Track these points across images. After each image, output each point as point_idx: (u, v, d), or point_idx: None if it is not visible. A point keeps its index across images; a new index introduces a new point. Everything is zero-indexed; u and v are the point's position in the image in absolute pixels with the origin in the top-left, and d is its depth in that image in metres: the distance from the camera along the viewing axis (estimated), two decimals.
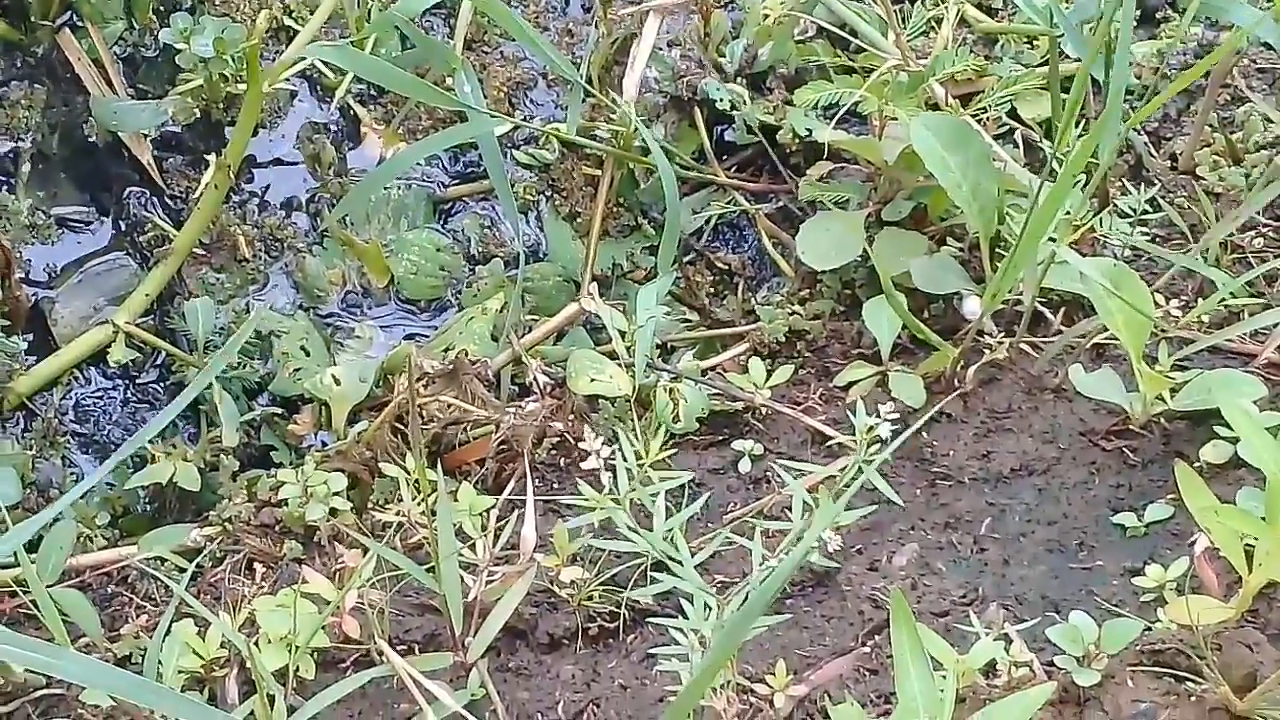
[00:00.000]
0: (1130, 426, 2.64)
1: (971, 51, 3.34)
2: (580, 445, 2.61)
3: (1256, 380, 2.54)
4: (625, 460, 2.60)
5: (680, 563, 2.46)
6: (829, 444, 2.78)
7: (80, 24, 3.53)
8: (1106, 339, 2.72)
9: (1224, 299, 2.74)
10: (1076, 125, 2.78)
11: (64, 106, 3.49)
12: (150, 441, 3.10)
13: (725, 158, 3.44)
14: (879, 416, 2.57)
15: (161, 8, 3.57)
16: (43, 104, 3.47)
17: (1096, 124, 2.53)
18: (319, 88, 3.54)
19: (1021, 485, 2.65)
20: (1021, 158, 3.10)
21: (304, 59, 3.29)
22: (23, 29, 3.50)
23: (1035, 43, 3.32)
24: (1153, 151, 3.20)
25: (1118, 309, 2.55)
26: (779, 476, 2.67)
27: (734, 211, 3.38)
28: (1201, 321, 2.77)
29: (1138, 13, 3.33)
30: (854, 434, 2.62)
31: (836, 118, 3.07)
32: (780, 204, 3.36)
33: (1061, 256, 2.60)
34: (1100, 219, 2.92)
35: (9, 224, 3.32)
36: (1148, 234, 2.91)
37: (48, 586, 2.58)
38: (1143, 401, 2.60)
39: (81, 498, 3.01)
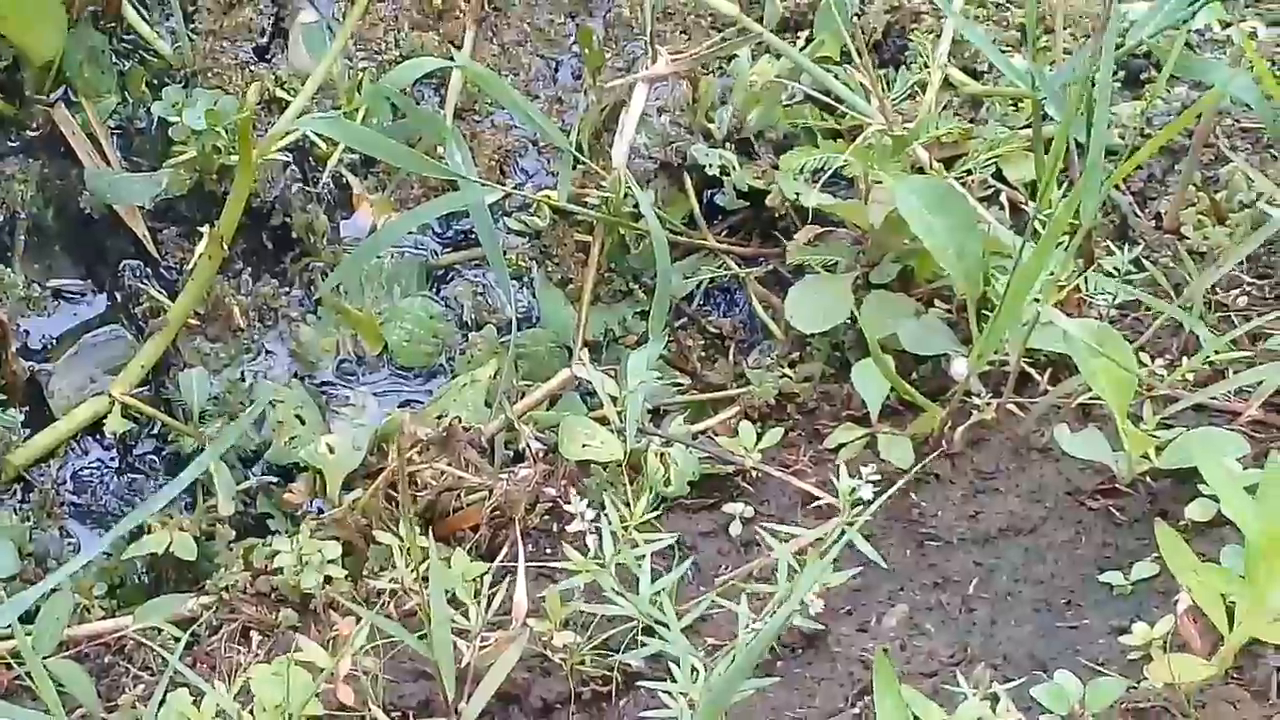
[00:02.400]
0: (1116, 485, 2.67)
1: (956, 114, 3.39)
2: (566, 509, 2.64)
3: (1240, 438, 2.57)
4: (610, 524, 2.62)
5: (668, 626, 2.47)
6: (818, 505, 2.80)
7: (74, 99, 3.56)
8: (1092, 399, 2.74)
9: (1209, 357, 2.76)
10: (1059, 186, 2.80)
11: (59, 180, 3.52)
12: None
13: (715, 222, 3.47)
14: (861, 479, 2.59)
15: (154, 81, 3.61)
16: (38, 178, 3.50)
17: (1078, 184, 2.56)
18: (311, 158, 3.56)
19: (1009, 545, 2.67)
20: (1007, 219, 3.13)
21: (296, 130, 3.30)
22: (17, 104, 3.54)
23: (1019, 105, 3.35)
24: (1138, 211, 3.22)
25: (1101, 369, 2.58)
26: (768, 539, 2.69)
27: (724, 275, 3.40)
28: (1187, 380, 2.78)
29: (1121, 75, 3.38)
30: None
31: (822, 182, 3.11)
32: (770, 267, 3.38)
33: (1046, 317, 2.62)
34: (1085, 279, 2.95)
35: (5, 297, 3.34)
36: (1132, 294, 2.93)
37: (45, 658, 2.59)
38: (1128, 460, 2.62)
39: (79, 568, 3.03)
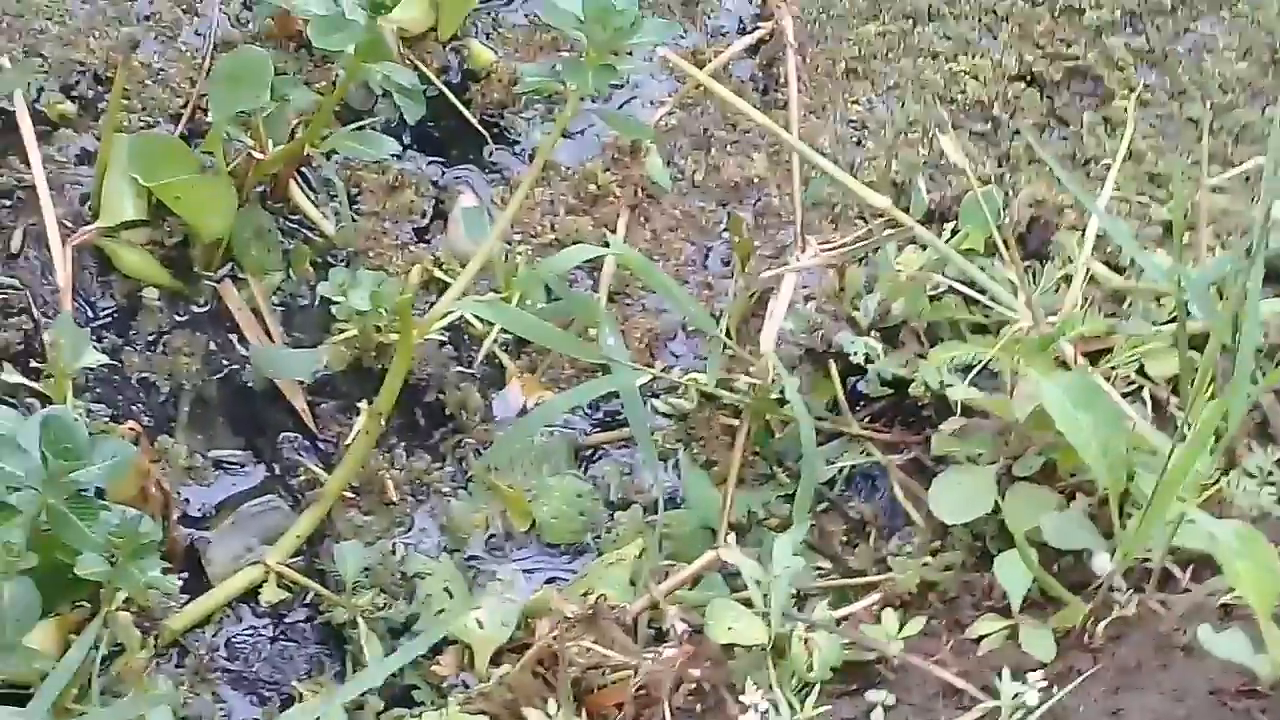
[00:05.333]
0: (1258, 687, 2.68)
1: (1099, 309, 3.43)
2: (740, 699, 2.69)
3: None
4: (778, 714, 2.66)
5: None
6: (960, 696, 2.83)
7: (240, 275, 3.67)
8: (1235, 598, 2.76)
9: None
10: (1205, 389, 2.85)
11: (223, 353, 3.62)
12: (298, 679, 3.23)
13: (858, 408, 3.50)
14: (1024, 682, 2.63)
15: (317, 260, 3.72)
16: (203, 351, 3.60)
17: (1226, 392, 2.61)
18: (466, 336, 3.64)
19: None
20: (1149, 414, 3.16)
21: (454, 311, 3.40)
22: (186, 280, 3.65)
23: (1162, 300, 3.39)
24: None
25: (1245, 570, 2.60)
26: None
27: (867, 462, 3.43)
28: None
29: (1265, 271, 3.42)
30: (985, 687, 2.67)
31: (971, 376, 3.17)
32: (912, 455, 3.41)
33: (1190, 516, 2.67)
34: (1227, 477, 2.99)
35: (169, 466, 3.42)
36: (1274, 494, 2.96)
37: None
38: (1271, 663, 2.64)
39: None
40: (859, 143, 3.85)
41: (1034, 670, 2.71)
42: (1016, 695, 2.64)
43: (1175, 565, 2.94)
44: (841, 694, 2.93)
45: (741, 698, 2.70)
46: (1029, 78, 3.90)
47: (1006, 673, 2.70)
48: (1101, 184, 3.52)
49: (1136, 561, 2.90)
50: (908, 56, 3.96)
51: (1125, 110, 3.74)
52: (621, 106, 3.97)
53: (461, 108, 3.92)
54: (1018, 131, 3.81)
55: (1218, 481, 2.99)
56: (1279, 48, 3.90)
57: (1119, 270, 3.53)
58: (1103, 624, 2.85)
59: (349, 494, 3.46)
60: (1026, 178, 3.71)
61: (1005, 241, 3.23)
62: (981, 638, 2.95)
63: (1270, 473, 2.98)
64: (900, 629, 2.96)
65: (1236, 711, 2.68)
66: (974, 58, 3.92)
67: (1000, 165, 3.78)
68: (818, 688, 2.89)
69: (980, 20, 3.99)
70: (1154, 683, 2.77)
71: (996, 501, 3.06)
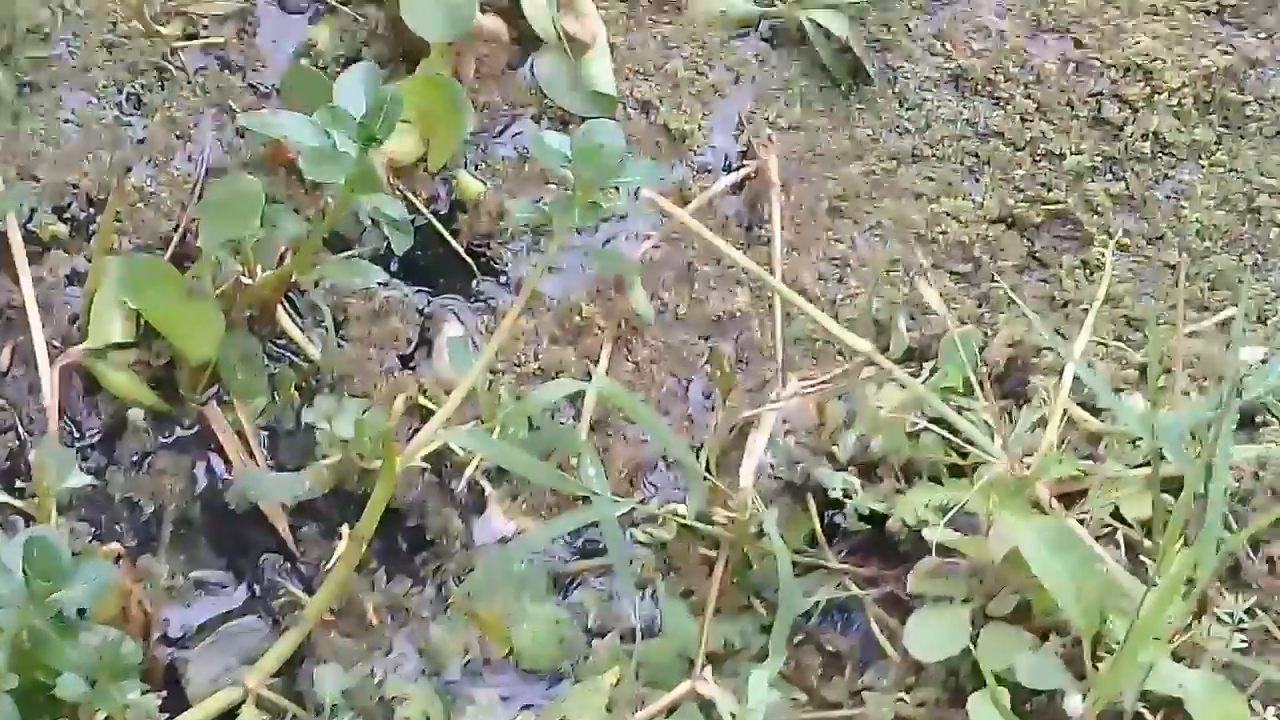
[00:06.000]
0: None
1: (1076, 450, 3.48)
2: None
3: None
4: None
5: None
6: None
7: (226, 398, 3.69)
8: None
9: None
10: (1178, 536, 2.91)
11: (207, 475, 3.64)
12: None
13: (835, 541, 3.53)
14: None
15: (302, 384, 3.74)
16: (187, 472, 3.63)
17: (1196, 542, 2.67)
18: (448, 463, 3.66)
19: None
20: (1123, 557, 3.21)
21: (437, 440, 3.43)
22: (172, 401, 3.68)
23: (1138, 443, 3.43)
24: (1251, 555, 3.28)
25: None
26: None
27: (843, 595, 3.46)
28: None
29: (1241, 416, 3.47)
30: None
31: (947, 518, 3.21)
32: (888, 589, 3.43)
33: (1160, 665, 2.72)
34: (1200, 623, 3.03)
35: (150, 586, 3.45)
36: (1245, 640, 3.01)
37: None
38: None
39: None
40: (841, 280, 3.91)
41: None
42: None
43: (1147, 709, 2.97)
44: None
45: None
46: (1010, 220, 3.97)
47: None
48: (1080, 326, 3.59)
49: (1107, 705, 2.93)
50: (891, 197, 4.02)
51: (1104, 255, 3.81)
52: (607, 240, 4.01)
53: (449, 238, 3.95)
54: (999, 272, 3.87)
55: (1190, 626, 3.04)
56: (1255, 197, 3.99)
57: (1095, 413, 3.56)
58: None
59: (329, 617, 3.47)
60: (1006, 318, 3.78)
61: (980, 383, 3.29)
62: None
63: (1241, 620, 3.03)
64: None
65: None
66: (956, 199, 3.99)
67: (980, 305, 3.85)
68: None
69: (962, 163, 4.06)
70: None
71: (971, 640, 3.09)
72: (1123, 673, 2.77)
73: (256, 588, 3.57)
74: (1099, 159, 4.04)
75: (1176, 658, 2.99)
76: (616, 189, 3.49)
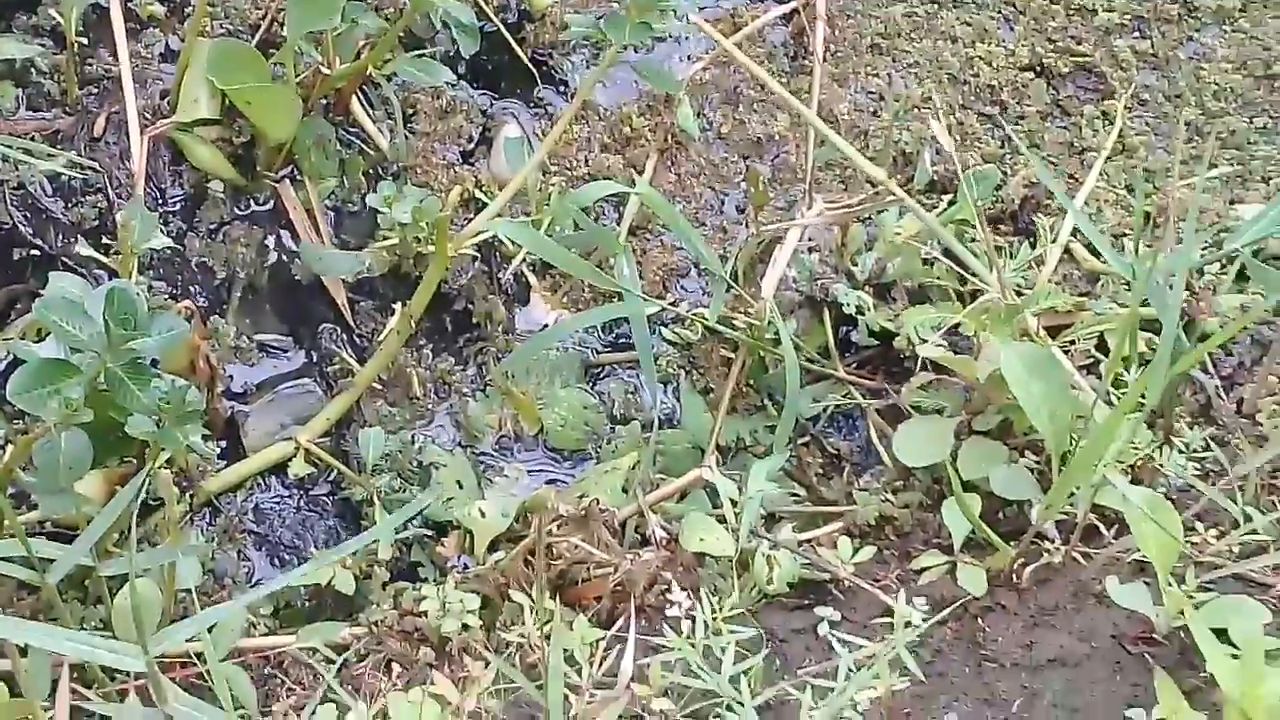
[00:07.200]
0: (1154, 635, 2.98)
1: (1075, 288, 3.68)
2: (668, 596, 2.98)
3: (1264, 609, 2.88)
4: (703, 613, 2.95)
5: (741, 704, 2.82)
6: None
7: (299, 177, 3.91)
8: (1145, 557, 3.03)
9: (1248, 532, 3.08)
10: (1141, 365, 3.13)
11: (276, 247, 3.86)
12: (315, 548, 3.50)
13: (846, 354, 3.73)
14: (912, 606, 2.93)
15: (370, 171, 3.94)
16: (258, 243, 3.85)
17: (1150, 367, 2.88)
18: (498, 254, 3.87)
19: (1054, 675, 2.97)
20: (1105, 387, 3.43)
21: (487, 231, 3.59)
22: (249, 177, 3.89)
23: (1130, 284, 3.62)
24: (1223, 395, 3.51)
25: (1150, 533, 2.91)
26: (847, 642, 2.98)
27: (848, 403, 3.67)
28: (1231, 551, 3.10)
29: (1231, 269, 3.67)
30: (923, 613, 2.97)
31: (945, 334, 3.44)
32: (890, 401, 3.63)
33: (1110, 480, 2.96)
34: (1162, 450, 3.27)
35: (218, 344, 3.67)
36: (1200, 469, 3.24)
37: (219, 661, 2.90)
38: (1166, 616, 2.95)
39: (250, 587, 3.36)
40: (875, 113, 4.10)
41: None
42: (907, 618, 2.92)
43: (1103, 524, 3.23)
44: (795, 607, 3.18)
45: (668, 595, 2.96)
46: (1038, 68, 4.16)
47: (902, 594, 3.00)
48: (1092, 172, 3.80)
49: (1069, 516, 3.17)
50: (929, 38, 4.21)
51: (1123, 107, 4.00)
52: (663, 60, 4.19)
53: (515, 45, 4.13)
54: (1022, 117, 4.06)
55: (1155, 456, 3.28)
56: (1272, 64, 4.17)
57: (1097, 254, 3.75)
58: (1030, 568, 3.14)
59: (377, 385, 3.69)
60: (1025, 160, 3.93)
61: (980, 220, 3.48)
62: (924, 569, 3.21)
63: (1197, 450, 3.25)
64: (854, 555, 3.21)
65: (1132, 655, 2.98)
66: (990, 44, 4.19)
67: (1003, 146, 4.03)
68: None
69: (1000, 11, 4.25)
70: (1066, 623, 3.05)
71: (953, 451, 3.32)
72: (1070, 484, 3.00)
73: (314, 354, 3.79)
74: (1129, 17, 4.22)
75: (1136, 480, 3.23)
76: (674, 11, 3.65)
